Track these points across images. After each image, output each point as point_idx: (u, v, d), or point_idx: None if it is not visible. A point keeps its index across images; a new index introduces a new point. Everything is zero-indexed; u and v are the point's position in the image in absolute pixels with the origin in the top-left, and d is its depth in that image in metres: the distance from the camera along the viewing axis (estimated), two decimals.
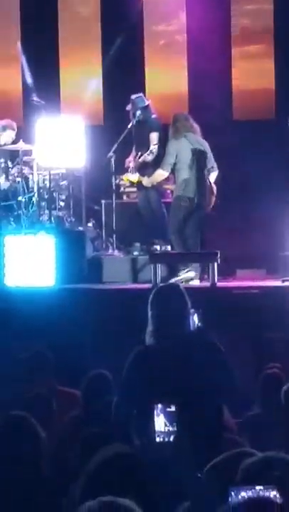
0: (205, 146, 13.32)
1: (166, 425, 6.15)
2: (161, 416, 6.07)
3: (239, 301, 12.08)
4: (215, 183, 13.46)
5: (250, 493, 3.26)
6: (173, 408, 6.04)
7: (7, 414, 5.64)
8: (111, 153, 13.69)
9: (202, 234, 13.89)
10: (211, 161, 13.33)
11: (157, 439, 6.01)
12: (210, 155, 13.33)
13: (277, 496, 3.24)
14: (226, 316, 11.20)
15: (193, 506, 4.22)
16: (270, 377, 8.32)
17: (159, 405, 6.06)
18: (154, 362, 6.46)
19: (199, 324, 7.08)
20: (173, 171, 13.22)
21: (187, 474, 5.09)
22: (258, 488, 3.30)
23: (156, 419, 6.06)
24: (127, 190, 14.51)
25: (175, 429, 6.05)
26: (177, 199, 13.28)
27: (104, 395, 7.37)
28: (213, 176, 13.40)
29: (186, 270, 13.01)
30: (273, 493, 3.24)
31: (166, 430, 6.10)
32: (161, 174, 13.36)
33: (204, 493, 4.22)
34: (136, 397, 6.39)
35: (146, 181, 13.64)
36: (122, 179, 14.16)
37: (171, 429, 6.06)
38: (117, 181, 14.21)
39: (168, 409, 6.12)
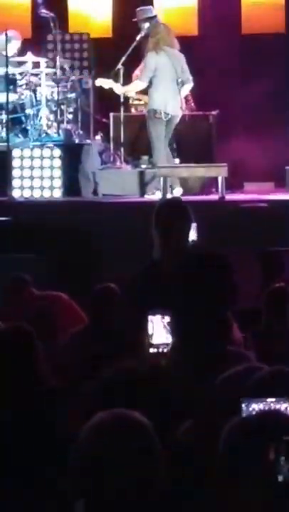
0: (181, 59, 13.26)
1: (166, 338, 5.94)
2: (162, 327, 5.86)
3: (247, 214, 12.05)
4: (190, 93, 13.56)
5: (261, 406, 3.26)
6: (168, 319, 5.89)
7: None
8: (119, 66, 13.59)
9: (178, 145, 13.78)
10: (186, 74, 13.21)
11: (153, 350, 5.80)
12: (186, 67, 13.20)
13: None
14: (234, 230, 11.26)
15: (198, 422, 4.17)
16: (276, 291, 8.15)
17: (163, 317, 5.84)
18: (158, 275, 6.45)
19: (195, 238, 7.26)
20: (148, 85, 13.25)
21: (188, 387, 4.99)
22: (269, 400, 3.29)
23: (158, 330, 5.86)
24: (135, 102, 14.49)
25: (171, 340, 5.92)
26: (151, 113, 13.19)
27: (111, 307, 7.33)
28: (187, 88, 13.32)
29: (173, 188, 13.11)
30: (285, 406, 3.25)
31: (166, 342, 5.90)
32: (138, 85, 13.45)
33: (210, 407, 4.13)
34: (142, 305, 6.16)
35: (118, 89, 13.75)
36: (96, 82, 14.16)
37: (170, 341, 5.92)
38: (109, 87, 13.98)
39: (168, 321, 5.95)
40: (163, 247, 6.57)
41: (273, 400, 3.32)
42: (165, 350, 5.59)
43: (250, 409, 3.28)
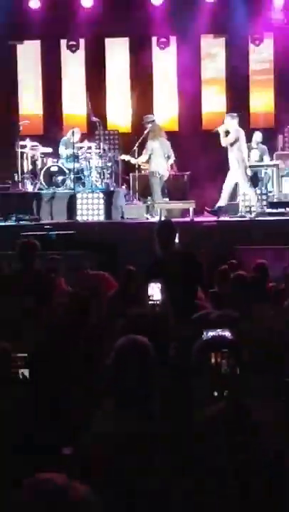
0: (167, 144, 15.76)
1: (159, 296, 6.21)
2: (158, 290, 6.17)
3: (206, 229, 14.08)
4: (173, 163, 15.93)
5: (214, 333, 3.78)
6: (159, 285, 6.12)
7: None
8: (134, 148, 16.18)
9: (167, 190, 16.14)
10: (170, 152, 15.69)
11: (151, 303, 6.14)
12: (170, 148, 15.67)
13: (229, 334, 3.80)
14: (199, 238, 12.58)
15: (180, 346, 4.66)
16: (222, 271, 9.09)
17: (157, 284, 6.20)
18: (161, 263, 7.41)
19: (178, 242, 7.94)
20: (149, 158, 15.65)
21: (173, 324, 5.34)
22: (218, 330, 3.82)
23: (155, 292, 6.18)
24: (142, 167, 16.54)
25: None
26: (151, 173, 15.71)
27: (131, 281, 8.20)
28: (170, 160, 15.81)
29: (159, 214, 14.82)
30: (226, 333, 3.78)
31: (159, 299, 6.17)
32: (143, 159, 15.83)
33: (187, 336, 4.48)
34: (148, 279, 6.50)
35: (133, 161, 16.18)
36: (121, 157, 16.56)
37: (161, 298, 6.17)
38: (128, 159, 16.34)
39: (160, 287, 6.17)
40: (161, 248, 7.54)
41: (220, 330, 3.83)
42: (158, 303, 6.07)
43: (208, 335, 3.80)
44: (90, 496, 1.74)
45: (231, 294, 7.76)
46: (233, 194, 15.72)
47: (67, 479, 1.75)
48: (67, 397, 4.56)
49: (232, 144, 14.99)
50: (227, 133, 15.31)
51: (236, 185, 15.48)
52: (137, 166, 16.53)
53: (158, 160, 15.76)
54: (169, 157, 15.91)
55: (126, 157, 16.43)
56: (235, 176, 15.29)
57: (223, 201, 15.30)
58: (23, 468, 3.40)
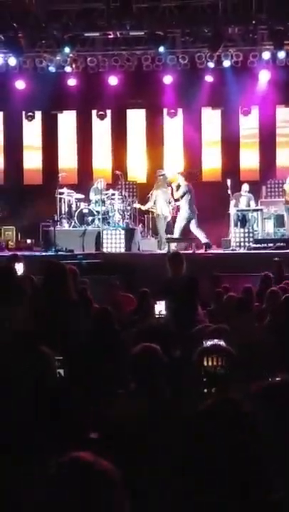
0: (168, 193, 15.87)
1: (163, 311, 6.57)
2: (163, 307, 6.54)
3: (205, 259, 14.08)
4: (173, 208, 16.06)
5: (211, 342, 3.86)
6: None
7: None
8: (148, 195, 16.34)
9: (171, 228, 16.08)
10: (170, 199, 15.89)
11: (157, 316, 6.37)
12: (169, 196, 15.80)
13: (223, 343, 3.83)
14: (199, 266, 11.72)
15: (182, 350, 4.59)
16: (219, 292, 8.89)
17: (164, 302, 6.45)
18: (170, 285, 7.35)
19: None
20: (154, 204, 15.93)
21: (175, 332, 5.30)
22: (215, 340, 3.88)
23: (159, 308, 6.49)
24: (152, 210, 16.62)
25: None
26: (156, 216, 15.99)
27: (145, 299, 8.03)
28: (172, 205, 16.02)
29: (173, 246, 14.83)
30: (221, 342, 3.83)
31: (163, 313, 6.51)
32: (150, 205, 16.08)
33: (192, 344, 4.37)
34: (161, 296, 6.99)
35: (145, 207, 16.40)
36: (135, 205, 16.73)
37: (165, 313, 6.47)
38: (139, 207, 16.65)
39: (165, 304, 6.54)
40: (172, 272, 7.59)
41: (216, 340, 3.89)
42: (162, 317, 6.30)
43: (207, 344, 3.82)
44: (115, 471, 1.62)
45: (224, 311, 7.65)
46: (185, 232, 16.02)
47: (95, 456, 1.63)
48: (95, 389, 4.54)
49: (182, 197, 15.52)
50: (178, 187, 15.79)
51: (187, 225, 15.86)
52: (148, 210, 16.68)
53: (161, 205, 15.90)
54: (170, 202, 16.07)
55: (137, 205, 16.69)
56: (185, 219, 15.71)
57: (203, 238, 15.66)
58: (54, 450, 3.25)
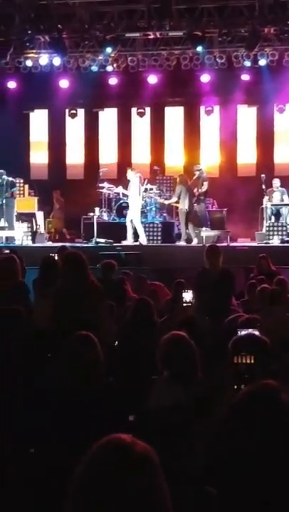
0: (191, 189, 15.59)
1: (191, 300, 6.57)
2: (191, 296, 6.51)
3: (239, 252, 13.85)
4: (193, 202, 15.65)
5: (245, 332, 3.88)
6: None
7: None
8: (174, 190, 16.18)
9: (211, 223, 16.13)
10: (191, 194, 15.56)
11: (186, 305, 6.38)
12: (190, 192, 15.53)
13: (257, 333, 3.82)
14: (234, 258, 11.81)
15: (215, 339, 4.58)
16: (251, 284, 8.78)
17: (192, 292, 6.48)
18: (206, 276, 7.41)
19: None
20: (178, 198, 15.66)
21: (205, 323, 5.35)
22: (249, 330, 3.91)
23: (188, 297, 6.44)
24: (176, 205, 16.27)
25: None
26: (180, 210, 15.69)
27: (180, 289, 7.58)
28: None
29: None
30: (255, 332, 3.86)
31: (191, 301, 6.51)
32: (173, 201, 15.99)
33: (226, 332, 4.43)
34: (197, 286, 7.05)
35: (166, 202, 16.41)
36: (159, 200, 16.54)
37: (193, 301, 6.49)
38: (162, 202, 16.54)
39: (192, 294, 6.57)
40: (209, 264, 7.57)
41: (250, 329, 3.94)
42: (190, 305, 6.33)
43: (241, 333, 3.87)
44: (153, 453, 1.60)
45: (257, 302, 7.61)
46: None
47: (133, 438, 1.61)
48: (134, 375, 4.65)
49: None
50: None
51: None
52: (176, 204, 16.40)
53: (184, 200, 15.69)
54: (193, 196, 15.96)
55: (160, 200, 16.60)
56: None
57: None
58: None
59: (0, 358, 3.99)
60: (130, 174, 15.61)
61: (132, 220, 15.54)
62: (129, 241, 15.31)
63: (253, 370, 3.32)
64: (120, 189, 16.03)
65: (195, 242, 15.25)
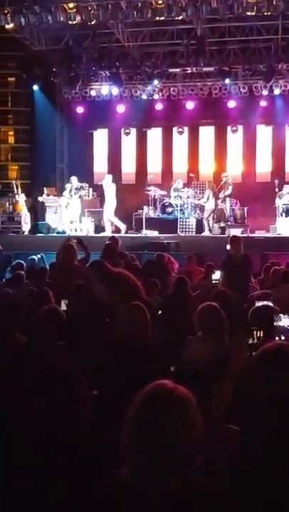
0: (216, 193, 15.29)
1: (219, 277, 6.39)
2: (219, 275, 6.43)
3: (256, 240, 13.28)
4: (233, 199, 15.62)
5: (262, 303, 3.95)
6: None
7: None
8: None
9: (234, 219, 15.84)
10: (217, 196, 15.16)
11: (214, 282, 6.21)
12: (216, 195, 15.17)
13: (271, 304, 3.87)
14: (251, 246, 10.94)
15: (238, 309, 4.33)
16: (268, 266, 8.46)
17: (219, 271, 6.35)
18: (231, 259, 7.20)
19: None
20: (207, 200, 15.42)
21: (232, 296, 5.01)
22: (265, 302, 3.98)
23: (216, 276, 6.43)
24: (204, 205, 15.80)
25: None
26: (206, 208, 15.34)
27: (211, 269, 7.43)
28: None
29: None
30: (269, 303, 3.93)
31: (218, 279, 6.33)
32: (202, 201, 15.63)
33: (246, 303, 4.48)
34: (223, 267, 6.73)
35: (196, 202, 15.95)
36: (190, 200, 15.95)
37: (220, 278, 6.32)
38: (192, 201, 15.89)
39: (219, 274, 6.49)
40: (232, 250, 7.38)
41: (265, 301, 4.00)
42: (218, 282, 6.23)
43: (258, 304, 3.95)
44: (191, 396, 1.56)
45: (271, 281, 7.48)
46: None
47: (174, 384, 1.57)
48: (174, 335, 4.56)
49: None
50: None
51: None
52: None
53: (211, 201, 15.45)
54: (218, 199, 15.66)
55: (195, 201, 16.21)
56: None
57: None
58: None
59: (95, 318, 4.23)
60: (107, 179, 15.31)
61: (108, 218, 15.31)
62: (107, 233, 14.74)
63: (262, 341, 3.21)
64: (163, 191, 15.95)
65: (208, 233, 15.17)
